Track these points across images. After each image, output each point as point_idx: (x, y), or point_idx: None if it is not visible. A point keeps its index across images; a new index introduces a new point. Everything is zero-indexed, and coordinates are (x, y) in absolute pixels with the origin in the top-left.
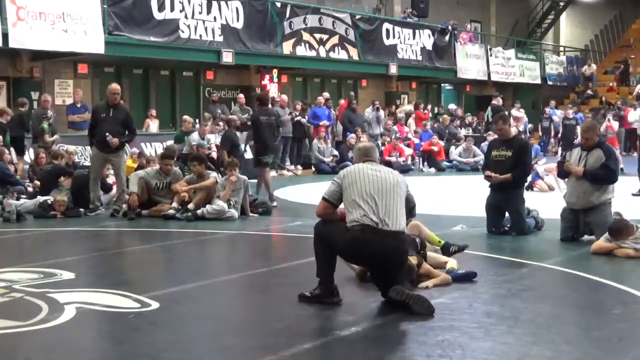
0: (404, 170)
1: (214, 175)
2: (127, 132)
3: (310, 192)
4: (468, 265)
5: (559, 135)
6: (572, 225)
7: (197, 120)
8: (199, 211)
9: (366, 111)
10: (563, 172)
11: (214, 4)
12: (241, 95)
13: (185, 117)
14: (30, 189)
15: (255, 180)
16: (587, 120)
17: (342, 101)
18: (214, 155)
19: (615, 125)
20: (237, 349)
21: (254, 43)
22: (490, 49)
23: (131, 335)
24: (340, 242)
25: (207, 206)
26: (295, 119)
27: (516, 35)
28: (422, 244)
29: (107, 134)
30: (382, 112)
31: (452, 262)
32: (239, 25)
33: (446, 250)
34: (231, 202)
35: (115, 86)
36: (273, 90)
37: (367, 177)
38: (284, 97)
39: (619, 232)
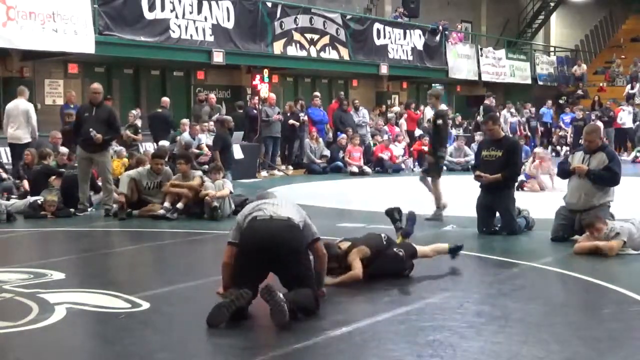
0: (395, 170)
1: (199, 174)
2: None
3: (300, 193)
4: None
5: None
6: (566, 223)
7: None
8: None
9: (351, 113)
10: (564, 173)
11: (205, 3)
12: (212, 96)
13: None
14: (20, 189)
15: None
16: (591, 124)
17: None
18: (205, 157)
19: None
20: (228, 349)
21: (245, 43)
22: (481, 49)
23: (122, 335)
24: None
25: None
26: (283, 117)
27: (507, 35)
28: (390, 240)
29: (90, 129)
30: (364, 111)
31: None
32: (230, 25)
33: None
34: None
35: (96, 85)
36: (264, 90)
37: (255, 203)
38: (272, 95)
39: (591, 225)
